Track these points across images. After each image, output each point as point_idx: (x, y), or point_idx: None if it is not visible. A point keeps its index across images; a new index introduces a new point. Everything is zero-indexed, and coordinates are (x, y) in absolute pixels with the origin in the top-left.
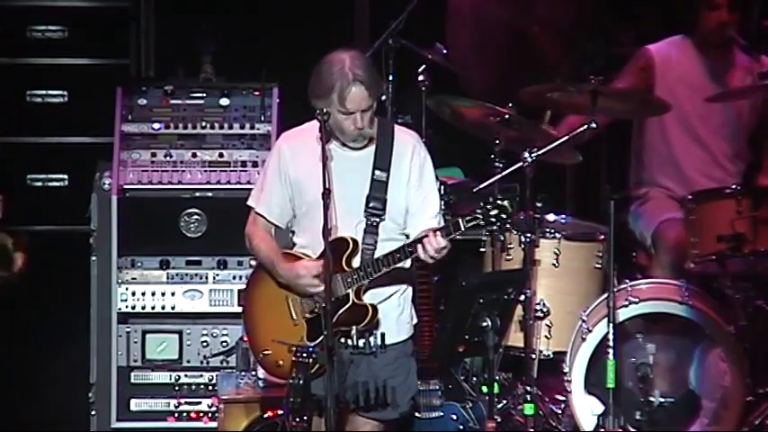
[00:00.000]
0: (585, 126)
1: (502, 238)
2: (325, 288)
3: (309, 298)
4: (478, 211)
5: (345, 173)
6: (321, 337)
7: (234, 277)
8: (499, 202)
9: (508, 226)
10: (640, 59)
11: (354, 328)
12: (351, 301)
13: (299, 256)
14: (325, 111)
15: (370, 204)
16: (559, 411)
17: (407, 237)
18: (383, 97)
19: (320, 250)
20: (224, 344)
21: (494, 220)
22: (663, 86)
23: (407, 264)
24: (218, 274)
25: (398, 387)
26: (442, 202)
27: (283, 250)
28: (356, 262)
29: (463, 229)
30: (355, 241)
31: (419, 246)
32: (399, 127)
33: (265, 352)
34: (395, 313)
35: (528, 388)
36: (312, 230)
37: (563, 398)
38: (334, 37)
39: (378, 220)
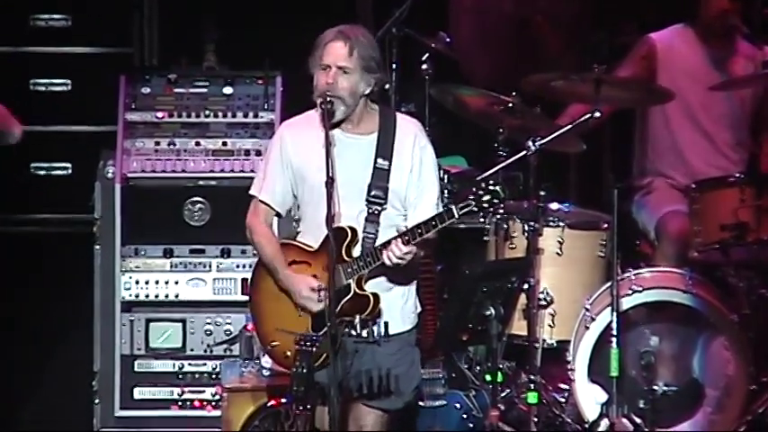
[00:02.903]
0: (589, 115)
1: (505, 227)
2: (329, 277)
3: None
4: (471, 197)
5: (348, 160)
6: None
7: (237, 266)
8: (491, 187)
9: (512, 215)
10: (642, 48)
11: (357, 317)
12: (353, 292)
13: (298, 246)
14: (329, 99)
15: (372, 193)
16: (563, 400)
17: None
18: (386, 86)
19: (320, 238)
20: (227, 332)
21: (486, 205)
22: (665, 75)
23: None
24: (221, 263)
25: (402, 376)
26: (446, 191)
27: (283, 240)
28: (356, 251)
29: (457, 216)
30: (354, 230)
31: (384, 252)
32: (401, 115)
33: (273, 343)
34: (400, 302)
35: (531, 376)
36: (312, 218)
37: (566, 386)
38: (338, 25)
39: (379, 208)
